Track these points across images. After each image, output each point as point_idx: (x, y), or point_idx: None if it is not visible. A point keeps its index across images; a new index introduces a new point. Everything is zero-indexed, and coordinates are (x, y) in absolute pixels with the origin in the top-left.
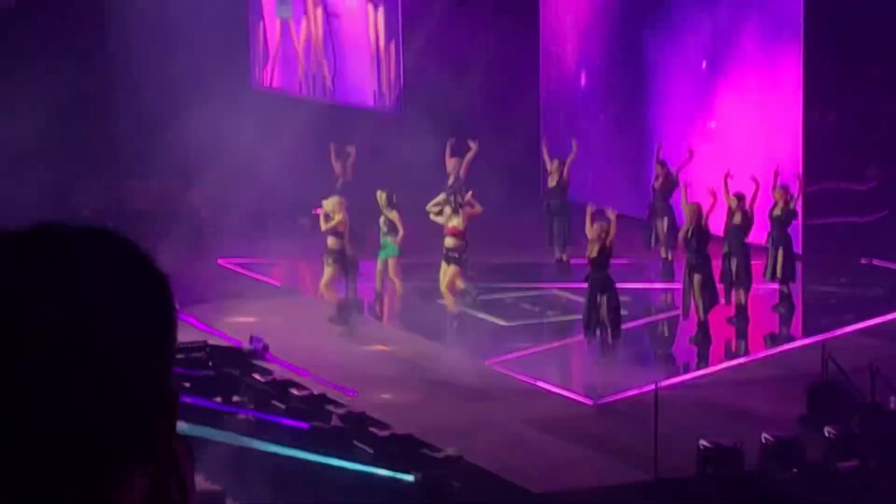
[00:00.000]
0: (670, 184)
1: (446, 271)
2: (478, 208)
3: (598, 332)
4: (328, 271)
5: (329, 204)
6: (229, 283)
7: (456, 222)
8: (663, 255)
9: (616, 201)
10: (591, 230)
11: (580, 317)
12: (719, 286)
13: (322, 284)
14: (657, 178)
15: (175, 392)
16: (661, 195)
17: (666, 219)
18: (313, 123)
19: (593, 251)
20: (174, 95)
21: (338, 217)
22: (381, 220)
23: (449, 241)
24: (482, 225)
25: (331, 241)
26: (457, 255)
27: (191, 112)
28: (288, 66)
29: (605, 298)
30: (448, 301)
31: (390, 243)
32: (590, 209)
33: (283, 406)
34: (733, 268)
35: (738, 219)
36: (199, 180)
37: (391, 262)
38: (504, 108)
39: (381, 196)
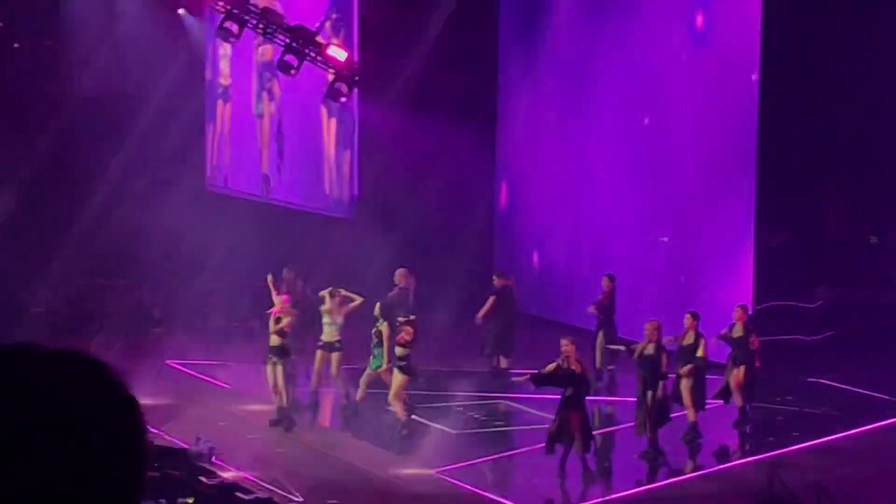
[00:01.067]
0: (613, 298)
1: (395, 379)
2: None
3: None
4: (278, 370)
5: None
6: (177, 384)
7: (406, 332)
8: (597, 367)
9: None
10: (569, 344)
11: (527, 427)
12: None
13: (279, 384)
14: (603, 292)
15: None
16: (604, 309)
17: (602, 333)
18: (266, 225)
19: (576, 364)
20: (129, 194)
21: (286, 320)
22: (374, 331)
23: (399, 350)
24: (437, 331)
25: (274, 340)
26: (405, 363)
27: (145, 211)
28: (242, 168)
29: (578, 416)
30: (396, 409)
31: (380, 355)
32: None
33: None
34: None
35: (690, 338)
36: (150, 280)
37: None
38: (460, 213)
39: (376, 308)
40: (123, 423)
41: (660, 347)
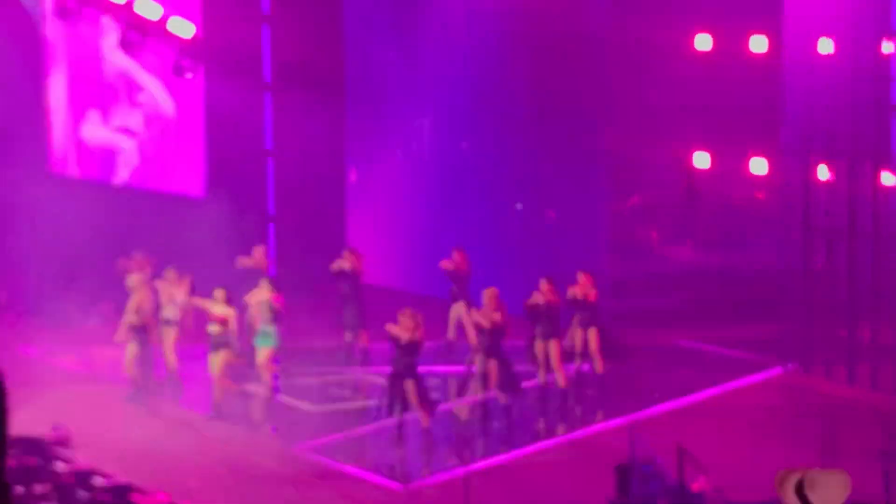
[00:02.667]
0: (466, 269)
1: (215, 359)
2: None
3: (402, 416)
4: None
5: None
6: (31, 371)
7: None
8: (449, 336)
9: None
10: (405, 317)
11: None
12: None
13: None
14: (454, 264)
15: (6, 485)
16: (457, 279)
17: (456, 305)
18: (114, 209)
19: (405, 337)
20: None
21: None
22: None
23: (215, 329)
24: (293, 309)
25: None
26: (222, 341)
27: None
28: (89, 149)
29: (412, 383)
30: (220, 387)
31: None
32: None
33: (86, 495)
34: (539, 350)
35: (541, 301)
36: None
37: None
38: (311, 189)
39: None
40: None
41: (501, 316)
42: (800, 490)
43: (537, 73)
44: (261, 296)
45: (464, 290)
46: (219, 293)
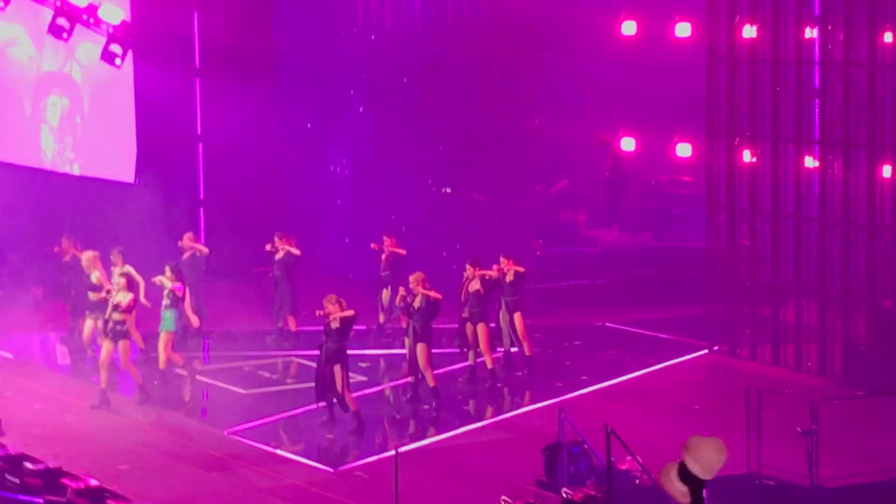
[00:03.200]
0: (396, 254)
1: (106, 347)
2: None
3: (332, 400)
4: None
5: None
6: None
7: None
8: (380, 321)
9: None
10: (330, 302)
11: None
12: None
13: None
14: (383, 251)
15: None
16: (387, 265)
17: (387, 289)
18: (45, 194)
19: (335, 321)
20: None
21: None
22: (165, 293)
23: (116, 316)
24: (224, 292)
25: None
26: (121, 329)
27: None
28: (15, 134)
29: (339, 367)
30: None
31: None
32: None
33: (17, 481)
34: (468, 332)
35: (475, 285)
36: None
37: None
38: (245, 174)
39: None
40: None
41: (428, 298)
42: (682, 469)
43: (466, 58)
44: (163, 281)
45: (397, 273)
46: (168, 270)
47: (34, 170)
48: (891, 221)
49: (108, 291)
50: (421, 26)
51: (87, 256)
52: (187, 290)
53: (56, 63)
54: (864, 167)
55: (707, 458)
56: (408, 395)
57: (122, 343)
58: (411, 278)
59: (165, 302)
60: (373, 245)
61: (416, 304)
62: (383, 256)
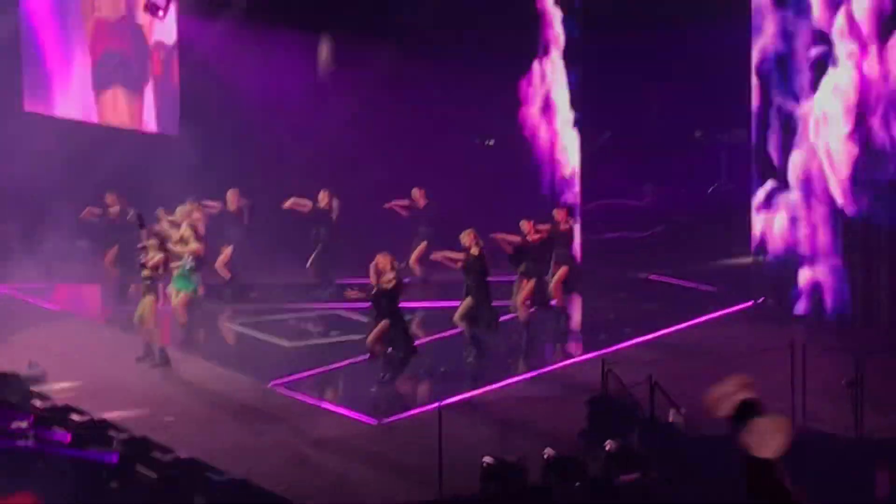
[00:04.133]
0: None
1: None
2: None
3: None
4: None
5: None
6: (6, 309)
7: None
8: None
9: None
10: (384, 259)
11: (361, 336)
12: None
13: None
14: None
15: None
16: (427, 220)
17: (424, 244)
18: (89, 146)
19: (389, 283)
20: None
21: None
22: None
23: (146, 272)
24: (266, 245)
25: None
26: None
27: None
28: (63, 91)
29: (387, 323)
30: (154, 334)
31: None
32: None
33: (64, 431)
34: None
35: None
36: None
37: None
38: (288, 128)
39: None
40: None
41: (480, 254)
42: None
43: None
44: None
45: (430, 230)
46: (188, 229)
47: (76, 122)
48: None
49: (144, 248)
50: None
51: (182, 210)
52: (230, 246)
53: (108, 13)
54: None
55: (769, 440)
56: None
57: (148, 298)
58: (463, 234)
59: (191, 264)
60: (398, 205)
61: (470, 258)
62: (406, 212)
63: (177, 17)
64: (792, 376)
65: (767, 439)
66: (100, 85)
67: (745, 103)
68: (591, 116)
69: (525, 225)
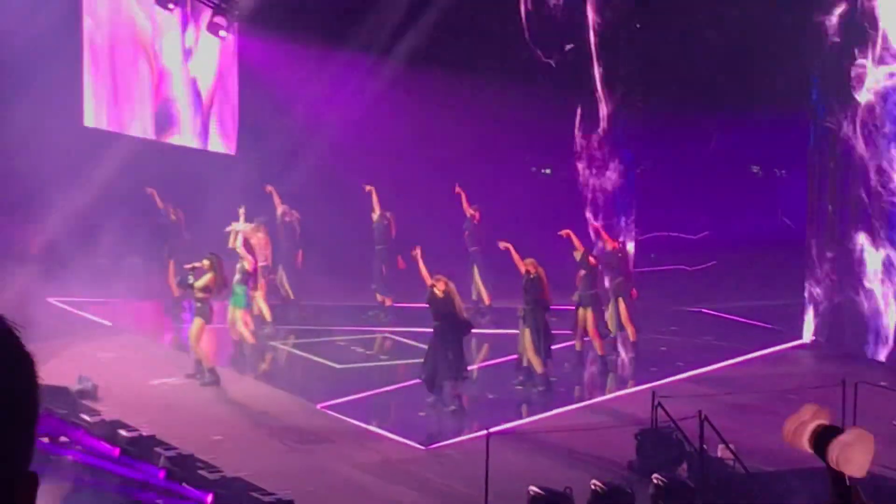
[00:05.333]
0: (481, 232)
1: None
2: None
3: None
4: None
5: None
6: (59, 322)
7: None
8: (485, 302)
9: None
10: (441, 281)
11: (411, 360)
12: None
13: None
14: (473, 222)
15: (34, 477)
16: (478, 241)
17: (475, 267)
18: (146, 162)
19: (444, 304)
20: (7, 132)
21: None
22: (238, 266)
23: (199, 294)
24: (320, 267)
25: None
26: (202, 307)
27: (24, 149)
28: (120, 107)
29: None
30: (199, 354)
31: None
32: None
33: (112, 446)
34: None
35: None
36: (30, 217)
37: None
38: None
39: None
40: (13, 381)
41: (539, 276)
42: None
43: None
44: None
45: (483, 254)
46: (236, 238)
47: (134, 139)
48: None
49: (193, 268)
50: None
51: (246, 228)
52: (280, 264)
53: (167, 34)
54: None
55: (857, 460)
56: (519, 379)
57: (197, 321)
58: (526, 261)
59: (238, 276)
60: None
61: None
62: (467, 232)
63: (237, 40)
64: (842, 413)
65: (853, 454)
66: (160, 125)
67: (804, 140)
68: (647, 149)
69: (601, 233)
